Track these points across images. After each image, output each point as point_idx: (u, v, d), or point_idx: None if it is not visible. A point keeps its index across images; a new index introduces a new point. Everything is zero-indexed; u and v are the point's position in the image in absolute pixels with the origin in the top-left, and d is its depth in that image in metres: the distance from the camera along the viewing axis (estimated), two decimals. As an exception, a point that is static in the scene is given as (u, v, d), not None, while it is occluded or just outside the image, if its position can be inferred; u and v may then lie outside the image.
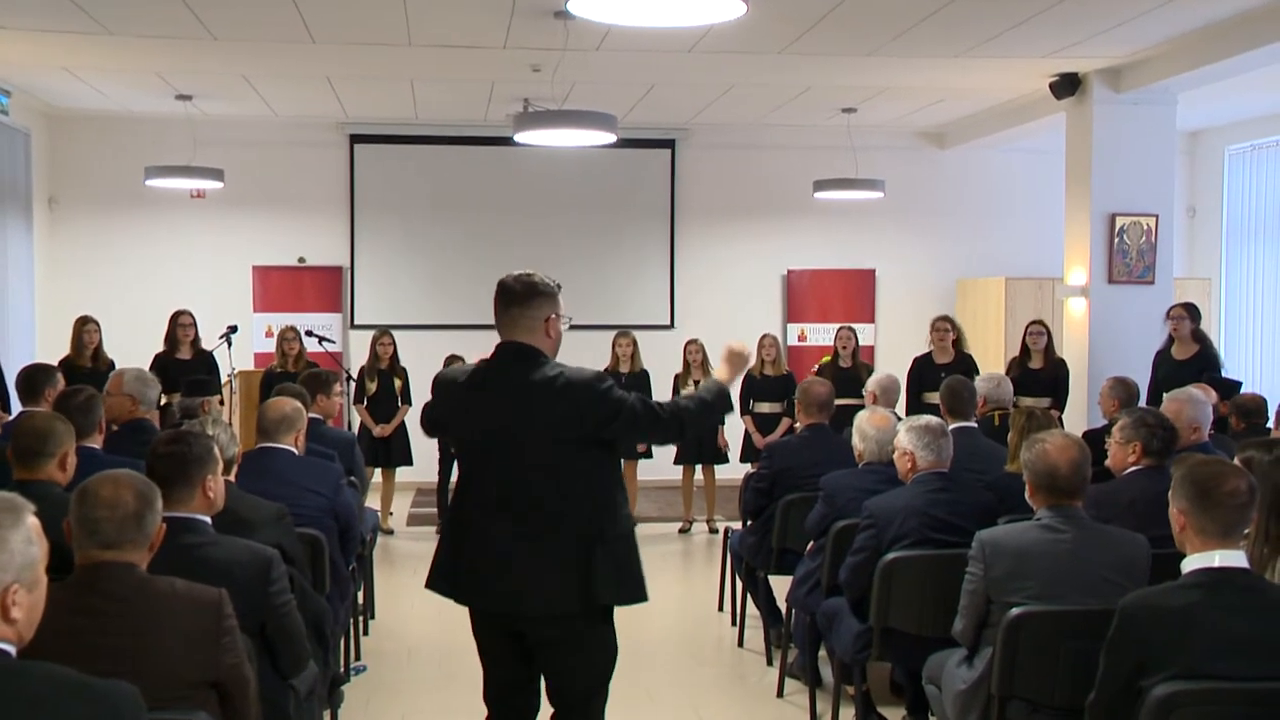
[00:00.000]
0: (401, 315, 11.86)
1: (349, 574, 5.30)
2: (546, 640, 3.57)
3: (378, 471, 9.72)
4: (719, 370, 3.89)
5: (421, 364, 10.42)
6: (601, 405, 3.48)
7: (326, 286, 11.90)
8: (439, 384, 3.69)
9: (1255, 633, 2.98)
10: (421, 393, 9.89)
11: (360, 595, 6.42)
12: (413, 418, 9.78)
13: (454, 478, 3.79)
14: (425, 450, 9.91)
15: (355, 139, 11.92)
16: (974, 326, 11.78)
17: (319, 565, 4.64)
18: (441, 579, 3.63)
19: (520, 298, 3.56)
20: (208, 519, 3.47)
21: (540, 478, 3.49)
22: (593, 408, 3.48)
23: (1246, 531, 3.42)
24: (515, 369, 3.53)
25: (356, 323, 11.84)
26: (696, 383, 9.52)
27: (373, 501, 9.23)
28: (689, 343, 9.90)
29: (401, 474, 10.03)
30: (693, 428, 3.66)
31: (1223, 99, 10.49)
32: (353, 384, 9.84)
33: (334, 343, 10.87)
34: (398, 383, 9.70)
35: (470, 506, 3.58)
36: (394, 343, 9.74)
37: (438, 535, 3.83)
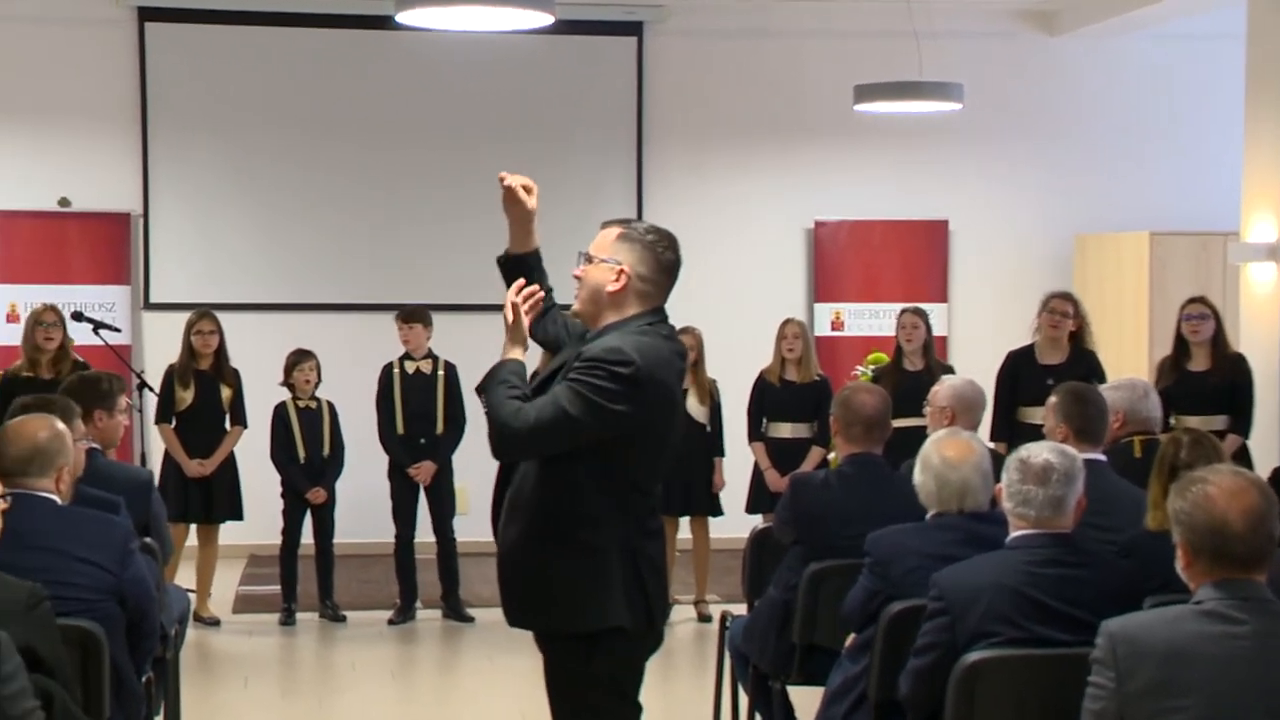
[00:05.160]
0: (224, 290, 11.73)
1: (142, 687, 5.29)
2: None
3: (192, 530, 9.65)
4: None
5: (257, 363, 10.34)
6: None
7: (105, 244, 11.81)
8: (658, 377, 4.82)
9: None
10: (261, 407, 9.96)
11: (160, 718, 6.35)
12: (250, 448, 9.75)
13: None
14: (261, 497, 9.80)
15: (147, 15, 11.78)
16: (1101, 306, 11.84)
17: (93, 674, 4.62)
18: (630, 611, 4.60)
19: None
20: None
21: None
22: None
23: None
24: None
25: (153, 300, 11.77)
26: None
27: (184, 577, 9.18)
28: (679, 333, 9.81)
29: (225, 535, 9.95)
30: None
31: None
32: (148, 394, 9.77)
33: (118, 330, 10.78)
34: (226, 393, 9.62)
35: (649, 514, 4.78)
36: (220, 330, 9.64)
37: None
